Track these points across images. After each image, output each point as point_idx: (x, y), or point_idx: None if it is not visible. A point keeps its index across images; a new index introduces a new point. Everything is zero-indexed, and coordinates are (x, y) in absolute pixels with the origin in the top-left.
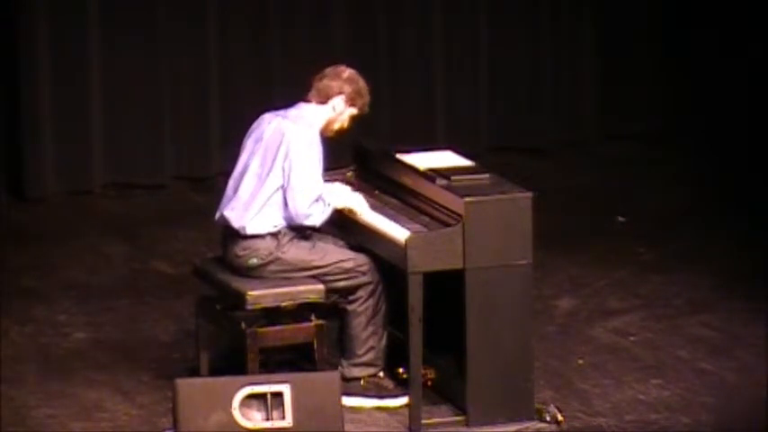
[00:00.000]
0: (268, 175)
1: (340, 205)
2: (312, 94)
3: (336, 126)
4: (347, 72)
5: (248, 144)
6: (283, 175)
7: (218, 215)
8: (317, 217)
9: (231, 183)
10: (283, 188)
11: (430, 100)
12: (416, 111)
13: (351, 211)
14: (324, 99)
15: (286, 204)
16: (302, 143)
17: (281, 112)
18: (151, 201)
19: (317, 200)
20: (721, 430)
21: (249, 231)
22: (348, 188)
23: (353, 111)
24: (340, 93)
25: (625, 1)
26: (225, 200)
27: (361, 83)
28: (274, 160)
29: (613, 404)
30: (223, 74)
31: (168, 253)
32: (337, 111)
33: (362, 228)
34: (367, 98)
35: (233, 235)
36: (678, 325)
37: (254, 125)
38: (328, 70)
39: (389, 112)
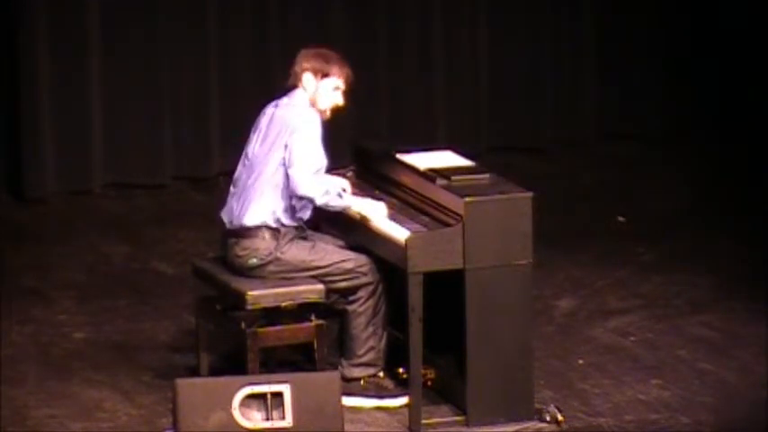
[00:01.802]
0: (267, 155)
1: (357, 207)
2: (291, 81)
3: (323, 104)
4: (312, 51)
5: (251, 137)
6: (285, 150)
7: (221, 212)
8: (316, 190)
9: (235, 175)
10: (285, 165)
11: (430, 100)
12: (416, 111)
13: (364, 216)
14: (297, 82)
15: (287, 182)
16: (302, 121)
17: (277, 101)
18: (151, 201)
19: (318, 171)
20: (721, 430)
21: (247, 222)
22: (378, 203)
23: (333, 82)
24: (304, 70)
25: (625, 1)
26: (229, 194)
27: (326, 53)
28: (275, 141)
29: (613, 404)
30: (223, 74)
31: (168, 253)
32: (311, 88)
33: (362, 228)
34: (339, 64)
35: (233, 235)
36: (678, 325)
37: (257, 118)
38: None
39: (389, 112)
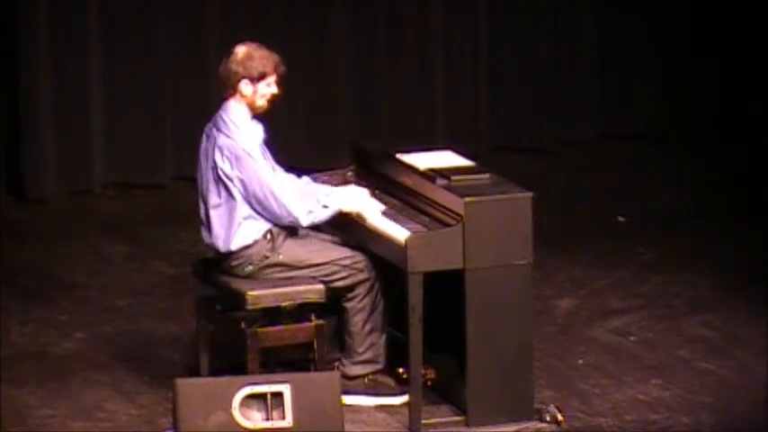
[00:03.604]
0: (230, 195)
1: (346, 209)
2: (224, 91)
3: (262, 101)
4: (240, 53)
5: (200, 164)
6: (241, 193)
7: (203, 237)
8: (298, 213)
9: (202, 207)
10: (249, 204)
11: (430, 100)
12: (416, 111)
13: (359, 215)
14: (233, 90)
15: (263, 215)
16: (244, 157)
17: (216, 121)
18: (151, 201)
19: (288, 197)
20: (721, 430)
21: (234, 248)
22: (359, 191)
23: (269, 79)
24: (240, 78)
25: (625, 1)
26: (204, 228)
27: (257, 54)
28: (227, 182)
29: (613, 404)
30: None
31: (168, 253)
32: (248, 94)
33: (362, 227)
34: (273, 61)
35: (222, 253)
36: (678, 325)
37: (202, 140)
38: (224, 60)
39: (389, 112)
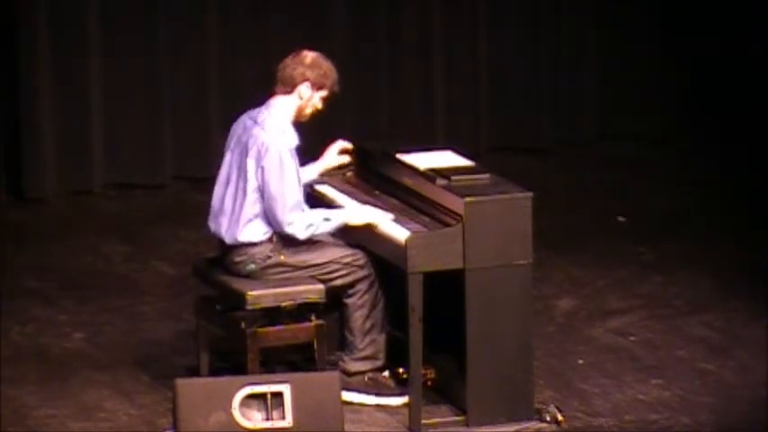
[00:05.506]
0: (247, 188)
1: (354, 222)
2: (278, 85)
3: (308, 111)
4: (309, 57)
5: (228, 152)
6: (258, 187)
7: (209, 226)
8: (298, 225)
9: (217, 191)
10: (262, 199)
11: (430, 100)
12: (416, 111)
13: (371, 225)
14: (290, 88)
15: (266, 218)
16: (273, 153)
17: (255, 114)
18: (151, 201)
19: (295, 208)
20: (721, 430)
21: (241, 240)
22: (366, 207)
23: (323, 93)
24: (304, 80)
25: (625, 1)
26: (213, 211)
27: (325, 65)
28: (249, 172)
29: (613, 404)
30: (223, 74)
31: (168, 253)
32: (305, 97)
33: (362, 227)
34: (334, 77)
35: (227, 245)
36: (678, 325)
37: (234, 128)
38: (289, 59)
39: (389, 112)
